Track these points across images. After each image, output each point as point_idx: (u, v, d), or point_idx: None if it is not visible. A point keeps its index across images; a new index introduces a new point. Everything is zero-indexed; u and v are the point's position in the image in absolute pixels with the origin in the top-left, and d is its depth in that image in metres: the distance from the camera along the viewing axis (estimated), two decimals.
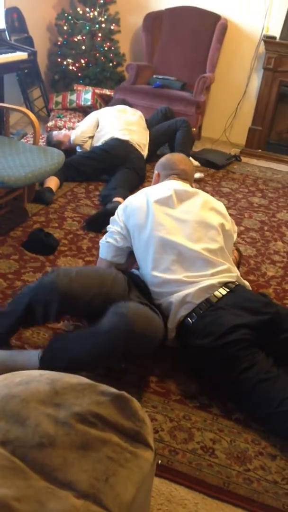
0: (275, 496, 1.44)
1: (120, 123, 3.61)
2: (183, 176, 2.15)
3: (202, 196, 2.03)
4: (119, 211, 2.06)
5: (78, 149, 3.72)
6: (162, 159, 2.24)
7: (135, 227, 1.95)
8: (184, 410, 1.69)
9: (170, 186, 2.03)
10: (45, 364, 1.65)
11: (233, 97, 4.72)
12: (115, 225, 2.05)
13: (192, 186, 2.18)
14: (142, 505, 0.99)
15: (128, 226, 1.98)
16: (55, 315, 1.72)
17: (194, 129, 4.28)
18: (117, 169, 3.36)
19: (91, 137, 3.67)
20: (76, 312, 1.85)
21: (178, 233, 1.90)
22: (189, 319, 1.79)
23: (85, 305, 1.74)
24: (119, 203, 2.80)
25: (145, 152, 3.64)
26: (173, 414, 1.67)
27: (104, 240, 2.07)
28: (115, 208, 2.30)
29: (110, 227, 2.07)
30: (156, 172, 2.23)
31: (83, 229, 2.80)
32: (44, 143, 3.87)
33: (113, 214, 2.13)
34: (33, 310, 1.71)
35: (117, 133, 3.52)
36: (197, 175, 3.79)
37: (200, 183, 3.73)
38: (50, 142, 3.74)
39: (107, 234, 2.08)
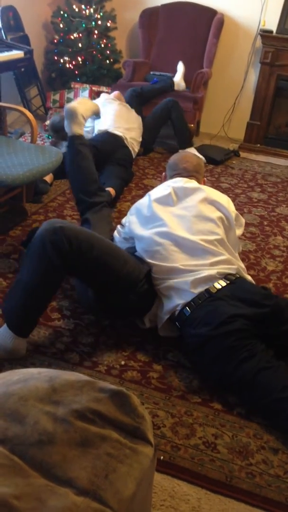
0: (278, 490, 1.44)
1: (120, 119, 3.64)
2: (185, 174, 2.20)
3: (204, 191, 2.07)
4: (128, 214, 2.19)
5: None
6: (169, 161, 2.34)
7: (136, 225, 2.04)
8: (185, 405, 1.69)
9: (171, 184, 2.10)
10: (10, 319, 1.74)
11: (230, 92, 4.71)
12: (121, 228, 2.18)
13: (200, 180, 2.24)
14: (142, 500, 0.98)
15: (131, 226, 2.07)
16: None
17: (192, 125, 4.27)
18: (104, 165, 3.38)
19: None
20: None
21: (177, 227, 1.95)
22: (187, 308, 1.80)
23: None
24: (109, 192, 2.95)
25: (136, 149, 3.70)
26: (175, 410, 1.67)
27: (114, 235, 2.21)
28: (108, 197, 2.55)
29: (118, 226, 2.21)
30: (163, 173, 2.34)
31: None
32: (42, 142, 3.86)
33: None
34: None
35: (111, 128, 3.56)
36: None
37: None
38: (54, 126, 3.72)
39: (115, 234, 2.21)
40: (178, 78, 4.21)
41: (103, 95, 3.96)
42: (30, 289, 1.72)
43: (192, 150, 4.03)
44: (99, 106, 3.66)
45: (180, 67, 4.25)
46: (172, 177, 2.22)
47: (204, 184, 2.26)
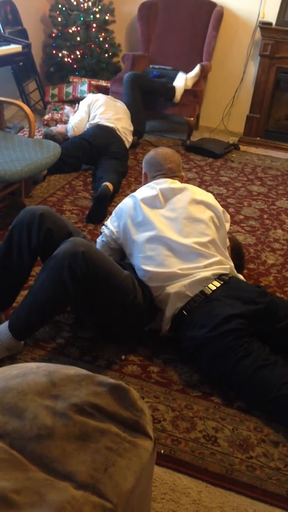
0: (278, 483, 1.44)
1: (108, 110, 3.66)
2: (170, 174, 2.13)
3: (190, 191, 2.04)
4: (112, 215, 2.11)
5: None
6: (148, 158, 2.20)
7: (125, 230, 1.99)
8: (186, 399, 1.69)
9: (156, 186, 2.04)
10: (13, 323, 1.74)
11: (230, 85, 4.68)
12: (107, 228, 2.09)
13: (181, 179, 2.18)
14: (142, 494, 0.98)
15: (119, 229, 2.02)
16: (37, 239, 1.77)
17: (192, 118, 4.25)
18: (99, 159, 3.37)
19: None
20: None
21: (168, 230, 1.92)
22: (184, 311, 1.80)
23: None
24: (107, 186, 2.89)
25: (130, 138, 3.71)
26: (175, 403, 1.67)
27: (100, 239, 2.13)
28: (104, 191, 2.71)
29: (104, 229, 2.12)
30: (143, 172, 2.22)
31: (82, 222, 2.79)
32: (41, 136, 3.85)
33: (103, 197, 2.41)
34: (15, 236, 1.80)
35: (102, 120, 3.57)
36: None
37: (199, 173, 3.71)
38: (47, 136, 3.74)
39: (102, 234, 2.13)
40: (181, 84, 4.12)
41: (89, 96, 3.91)
42: (37, 302, 1.71)
43: (182, 78, 4.05)
44: (86, 106, 3.70)
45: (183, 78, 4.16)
46: (155, 177, 2.13)
47: (183, 179, 2.20)
